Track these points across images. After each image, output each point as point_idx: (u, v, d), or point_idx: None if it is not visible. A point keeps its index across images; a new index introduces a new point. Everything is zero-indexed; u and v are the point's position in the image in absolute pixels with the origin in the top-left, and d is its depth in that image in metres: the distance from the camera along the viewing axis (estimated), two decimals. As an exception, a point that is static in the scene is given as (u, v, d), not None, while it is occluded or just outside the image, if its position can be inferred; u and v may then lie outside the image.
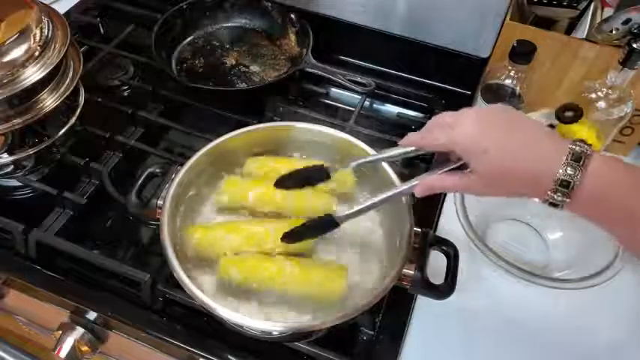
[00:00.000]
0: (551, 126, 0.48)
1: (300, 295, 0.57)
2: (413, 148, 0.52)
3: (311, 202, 0.63)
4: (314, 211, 0.60)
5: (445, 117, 0.50)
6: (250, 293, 0.57)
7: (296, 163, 0.67)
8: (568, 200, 0.44)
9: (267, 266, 0.57)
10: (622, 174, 0.44)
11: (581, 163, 0.43)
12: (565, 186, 0.43)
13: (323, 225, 0.55)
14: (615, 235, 0.47)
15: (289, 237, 0.56)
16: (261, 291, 0.57)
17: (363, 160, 0.57)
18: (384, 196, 0.54)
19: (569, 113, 0.48)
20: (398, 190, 0.53)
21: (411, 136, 0.52)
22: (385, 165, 0.62)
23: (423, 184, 0.51)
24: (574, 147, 0.44)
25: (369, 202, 0.54)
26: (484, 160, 0.46)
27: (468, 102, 0.85)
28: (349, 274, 0.59)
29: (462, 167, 0.49)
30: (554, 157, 0.44)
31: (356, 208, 0.54)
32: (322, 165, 0.57)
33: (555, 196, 0.44)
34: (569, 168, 0.43)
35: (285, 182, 0.58)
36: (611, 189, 0.44)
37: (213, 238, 0.59)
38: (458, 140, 0.47)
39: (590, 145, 0.45)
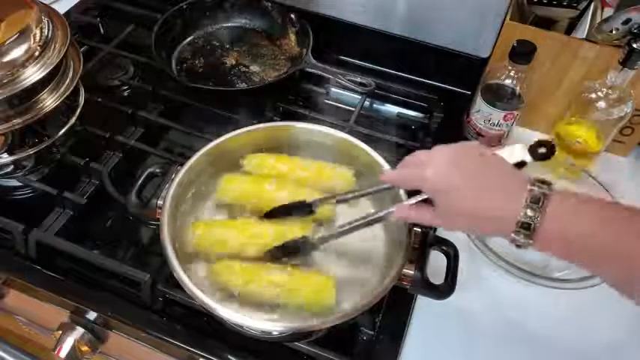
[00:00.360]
0: (522, 163, 0.50)
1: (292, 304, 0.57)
2: (387, 185, 0.56)
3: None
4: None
5: (419, 155, 0.52)
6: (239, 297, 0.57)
7: (295, 161, 0.67)
8: (531, 241, 0.45)
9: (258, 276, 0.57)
10: (581, 212, 0.44)
11: (540, 205, 0.44)
12: (526, 228, 0.44)
13: (299, 248, 0.58)
14: (586, 270, 0.47)
15: (269, 255, 0.58)
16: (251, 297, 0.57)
17: (343, 196, 0.60)
18: (360, 222, 0.56)
19: (542, 150, 0.49)
20: (375, 217, 0.55)
21: (388, 174, 0.56)
22: (387, 168, 0.62)
23: (397, 210, 0.54)
24: (533, 188, 0.45)
25: (345, 228, 0.56)
26: (446, 198, 0.48)
27: (468, 102, 0.85)
28: (349, 274, 0.59)
29: (429, 201, 0.51)
30: (515, 199, 0.45)
31: (331, 232, 0.57)
32: (305, 201, 0.60)
33: (518, 238, 0.45)
34: (528, 210, 0.44)
35: (273, 214, 0.61)
36: (571, 229, 0.44)
37: (213, 236, 0.60)
38: (426, 179, 0.49)
39: (549, 184, 0.45)
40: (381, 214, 0.55)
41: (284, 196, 0.62)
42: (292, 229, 0.59)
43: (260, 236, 0.60)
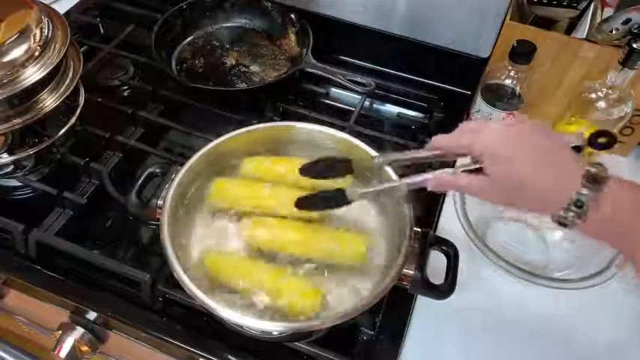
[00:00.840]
0: (577, 148, 0.49)
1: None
2: (437, 152, 0.53)
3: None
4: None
5: (473, 122, 0.51)
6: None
7: (294, 162, 0.66)
8: (579, 221, 0.44)
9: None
10: (638, 197, 0.44)
11: (597, 185, 0.43)
12: (579, 206, 0.43)
13: (335, 198, 0.56)
14: (628, 258, 0.47)
15: (301, 203, 0.57)
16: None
17: (389, 158, 0.58)
18: (396, 183, 0.55)
19: (602, 139, 0.49)
20: (411, 181, 0.54)
21: (440, 138, 0.52)
22: (389, 170, 0.62)
23: (436, 178, 0.51)
24: (590, 169, 0.44)
25: (382, 187, 0.56)
26: (503, 166, 0.46)
27: (468, 102, 0.85)
28: (349, 275, 0.59)
29: (477, 172, 0.49)
30: (571, 176, 0.44)
31: (370, 189, 0.56)
32: (347, 158, 0.58)
33: (567, 216, 0.44)
34: (584, 189, 0.43)
35: (304, 202, 0.58)
36: (626, 213, 0.44)
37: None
38: (484, 144, 0.47)
39: (606, 168, 0.44)
40: (420, 177, 0.53)
41: (279, 199, 0.62)
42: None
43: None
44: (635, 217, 0.44)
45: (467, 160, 0.51)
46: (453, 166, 0.53)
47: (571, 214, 0.44)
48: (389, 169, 0.61)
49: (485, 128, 0.48)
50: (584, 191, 0.43)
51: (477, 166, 0.49)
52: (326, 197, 0.56)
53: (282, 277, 0.57)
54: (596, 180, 0.43)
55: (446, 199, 0.74)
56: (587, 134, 0.49)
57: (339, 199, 0.56)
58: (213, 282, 0.57)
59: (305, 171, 0.58)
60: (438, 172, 0.52)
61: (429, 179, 0.52)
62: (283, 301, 0.55)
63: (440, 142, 0.52)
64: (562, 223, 0.45)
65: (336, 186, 0.58)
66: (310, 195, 0.57)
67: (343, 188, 0.56)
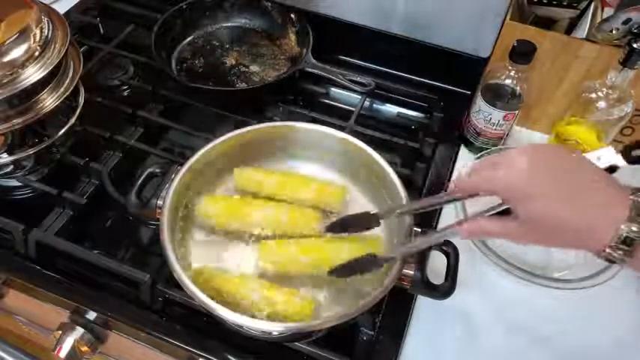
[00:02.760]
0: (613, 168, 0.45)
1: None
2: (456, 196, 0.50)
3: (295, 218, 0.63)
4: (297, 226, 0.61)
5: (491, 157, 0.47)
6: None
7: (286, 176, 0.66)
8: (629, 259, 0.40)
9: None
10: None
11: None
12: (628, 244, 0.40)
13: (367, 264, 0.55)
14: None
15: (337, 272, 0.56)
16: None
17: (407, 207, 0.57)
18: (425, 242, 0.54)
19: (638, 152, 0.44)
20: (442, 235, 0.52)
21: (461, 182, 0.49)
22: (387, 168, 0.62)
23: (466, 230, 0.48)
24: (636, 199, 0.40)
25: (411, 248, 0.55)
26: (528, 206, 0.42)
27: (468, 102, 0.85)
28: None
29: (507, 212, 0.46)
30: (614, 209, 0.40)
31: (402, 250, 0.55)
32: (369, 212, 0.58)
33: (615, 254, 0.40)
34: (634, 225, 0.39)
35: (339, 271, 0.56)
36: None
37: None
38: (502, 183, 0.44)
39: None
40: (447, 231, 0.50)
41: (265, 217, 0.62)
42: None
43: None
44: None
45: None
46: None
47: (619, 252, 0.40)
48: (393, 176, 0.61)
49: (503, 164, 0.44)
50: (634, 227, 0.39)
51: (503, 207, 0.46)
52: (359, 265, 0.55)
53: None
54: None
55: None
56: (616, 148, 0.45)
57: (371, 264, 0.54)
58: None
59: (332, 230, 0.59)
60: (469, 222, 0.48)
61: (460, 231, 0.49)
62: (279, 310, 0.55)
63: (461, 185, 0.48)
64: (610, 260, 0.41)
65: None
66: (344, 264, 0.56)
67: (374, 253, 0.54)
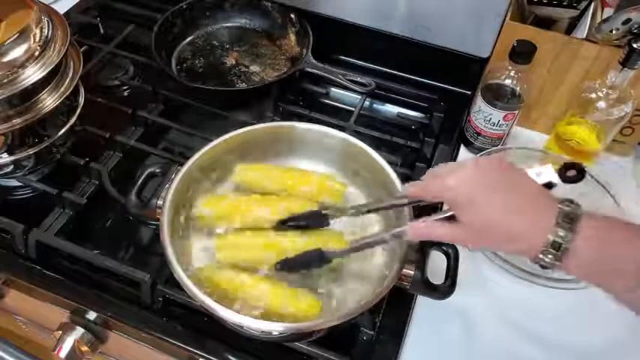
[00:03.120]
0: (550, 185, 0.48)
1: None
2: (410, 200, 0.53)
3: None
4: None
5: (441, 166, 0.50)
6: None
7: (287, 171, 0.66)
8: (558, 263, 0.43)
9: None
10: (615, 233, 0.43)
11: (572, 224, 0.42)
12: (556, 248, 0.43)
13: (313, 259, 0.56)
14: (612, 293, 0.45)
15: (282, 266, 0.57)
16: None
17: (363, 207, 0.58)
18: (374, 239, 0.55)
19: (572, 172, 0.47)
20: (390, 233, 0.54)
21: (410, 187, 0.52)
22: (387, 168, 0.62)
23: (413, 229, 0.51)
24: (563, 207, 0.43)
25: (360, 243, 0.56)
26: (469, 210, 0.46)
27: (468, 102, 0.85)
28: (349, 276, 0.59)
29: (453, 217, 0.49)
30: (545, 217, 0.43)
31: (346, 248, 0.56)
32: (320, 211, 0.59)
33: (545, 258, 0.43)
34: (560, 230, 0.42)
35: (284, 264, 0.57)
36: (602, 250, 0.43)
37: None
38: (453, 191, 0.47)
39: (577, 204, 0.44)
40: (395, 231, 0.53)
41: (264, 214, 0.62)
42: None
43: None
44: (621, 247, 0.43)
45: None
46: (441, 209, 0.52)
47: (549, 256, 0.43)
48: (389, 171, 0.61)
49: (452, 173, 0.47)
50: (560, 232, 0.42)
51: (450, 213, 0.49)
52: (305, 260, 0.56)
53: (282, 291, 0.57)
54: (571, 219, 0.43)
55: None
56: (554, 167, 0.48)
57: (318, 259, 0.56)
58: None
59: (277, 227, 0.59)
60: (415, 222, 0.51)
61: (406, 231, 0.52)
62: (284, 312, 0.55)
63: (410, 190, 0.52)
64: (542, 266, 0.44)
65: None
66: (289, 258, 0.57)
67: (320, 249, 0.56)
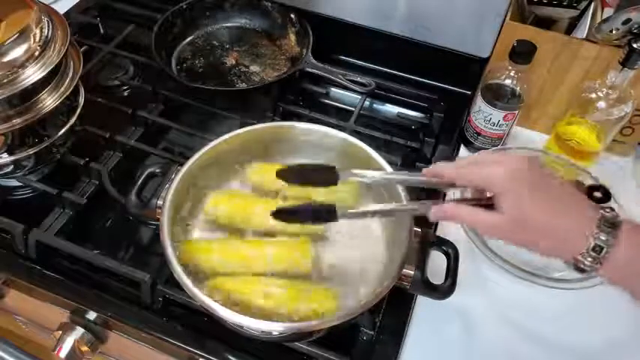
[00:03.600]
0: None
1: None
2: (434, 180, 0.50)
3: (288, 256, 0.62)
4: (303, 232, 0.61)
5: (484, 155, 0.50)
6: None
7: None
8: (597, 266, 0.43)
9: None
10: None
11: (613, 229, 0.43)
12: (597, 251, 0.43)
13: (321, 212, 0.52)
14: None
15: (280, 214, 0.52)
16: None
17: (371, 175, 0.54)
18: (391, 207, 0.54)
19: (597, 194, 0.50)
20: (409, 207, 0.52)
21: (443, 167, 0.49)
22: (387, 168, 0.62)
23: (442, 208, 0.49)
24: (605, 213, 0.44)
25: (375, 208, 0.54)
26: (515, 203, 0.45)
27: (468, 102, 0.85)
28: (349, 274, 0.59)
29: (484, 207, 0.47)
30: (587, 220, 0.44)
31: (361, 209, 0.54)
32: (333, 167, 0.53)
33: (585, 261, 0.43)
34: (602, 234, 0.43)
35: (287, 175, 0.53)
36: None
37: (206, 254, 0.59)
38: (494, 177, 0.45)
39: (615, 211, 0.44)
40: (418, 204, 0.50)
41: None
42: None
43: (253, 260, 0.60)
44: None
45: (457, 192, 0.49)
46: (444, 197, 0.51)
47: (589, 259, 0.43)
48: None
49: (499, 164, 0.46)
50: (602, 236, 0.43)
51: (482, 200, 0.47)
52: (316, 210, 0.52)
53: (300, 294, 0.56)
54: (612, 224, 0.43)
55: (446, 199, 0.74)
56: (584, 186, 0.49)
57: (325, 213, 0.51)
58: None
59: (281, 175, 0.53)
60: (450, 205, 0.48)
61: (432, 208, 0.49)
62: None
63: (444, 170, 0.49)
64: (580, 269, 0.44)
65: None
66: (291, 207, 0.53)
67: (334, 205, 0.51)
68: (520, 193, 0.45)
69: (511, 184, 0.45)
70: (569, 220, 0.44)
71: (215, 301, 0.51)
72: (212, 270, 0.58)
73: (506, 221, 0.46)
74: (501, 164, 0.46)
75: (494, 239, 0.68)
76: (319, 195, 0.62)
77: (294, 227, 0.61)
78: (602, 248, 0.43)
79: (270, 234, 0.62)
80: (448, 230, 0.70)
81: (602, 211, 0.44)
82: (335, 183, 0.52)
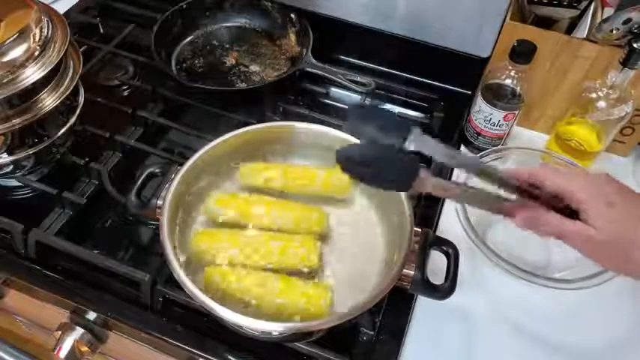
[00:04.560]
0: None
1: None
2: (511, 181, 0.46)
3: (303, 214, 0.63)
4: (308, 223, 0.61)
5: (555, 166, 0.47)
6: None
7: (291, 168, 0.66)
8: None
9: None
10: None
11: None
12: None
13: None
14: None
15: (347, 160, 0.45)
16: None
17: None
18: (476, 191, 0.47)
19: None
20: (497, 195, 0.47)
21: (518, 170, 0.46)
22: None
23: (530, 216, 0.45)
24: None
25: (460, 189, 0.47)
26: (608, 214, 0.41)
27: (468, 102, 0.85)
28: (349, 275, 0.59)
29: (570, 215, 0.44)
30: None
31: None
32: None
33: None
34: None
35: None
36: None
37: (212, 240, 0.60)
38: (578, 185, 0.42)
39: None
40: (505, 200, 0.46)
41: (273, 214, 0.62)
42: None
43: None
44: None
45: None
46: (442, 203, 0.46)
47: None
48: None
49: (579, 175, 0.44)
50: None
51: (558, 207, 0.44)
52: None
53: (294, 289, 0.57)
54: None
55: (446, 199, 0.74)
56: None
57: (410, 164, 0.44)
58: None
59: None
60: (528, 208, 0.45)
61: (519, 212, 0.45)
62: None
63: (517, 173, 0.46)
64: None
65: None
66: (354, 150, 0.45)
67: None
68: (612, 204, 0.41)
69: (597, 191, 0.42)
70: None
71: (211, 298, 0.51)
72: (213, 259, 0.59)
73: (597, 234, 0.42)
74: (580, 176, 0.43)
75: (494, 239, 0.69)
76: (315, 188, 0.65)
77: (297, 227, 0.62)
78: None
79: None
80: (448, 230, 0.70)
81: None
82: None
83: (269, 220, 0.62)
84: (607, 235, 0.41)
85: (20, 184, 0.75)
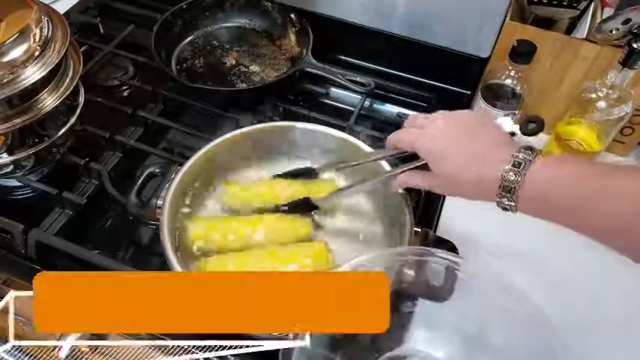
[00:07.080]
0: (512, 134, 0.54)
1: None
2: (394, 151, 0.59)
3: (290, 227, 0.63)
4: (295, 235, 0.62)
5: (417, 119, 0.57)
6: None
7: (268, 187, 0.66)
8: (514, 204, 0.47)
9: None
10: (563, 171, 0.46)
11: (521, 168, 0.46)
12: (508, 191, 0.47)
13: (302, 206, 0.63)
14: (565, 226, 0.48)
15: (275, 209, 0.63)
16: None
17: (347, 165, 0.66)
18: (359, 185, 0.62)
19: (532, 125, 0.55)
20: (375, 180, 0.60)
21: (391, 137, 0.58)
22: (387, 168, 0.62)
23: (398, 180, 0.57)
24: (518, 155, 0.47)
25: (346, 188, 0.63)
26: (440, 163, 0.52)
27: (468, 102, 0.85)
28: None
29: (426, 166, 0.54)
30: (499, 164, 0.47)
31: (332, 192, 0.63)
32: (310, 167, 0.67)
33: (503, 201, 0.48)
34: (510, 174, 0.47)
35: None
36: (551, 187, 0.46)
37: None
38: (420, 143, 0.53)
39: (535, 151, 0.47)
40: (381, 177, 0.60)
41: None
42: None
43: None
44: (572, 183, 0.45)
45: None
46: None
47: (504, 200, 0.47)
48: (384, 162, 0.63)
49: (427, 125, 0.54)
50: (510, 176, 0.46)
51: (424, 161, 0.54)
52: (294, 204, 0.63)
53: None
54: (530, 148, 0.47)
55: (446, 199, 0.74)
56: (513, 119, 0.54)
57: (305, 205, 0.63)
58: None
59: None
60: (400, 175, 0.57)
61: (395, 182, 0.58)
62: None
63: (391, 139, 0.58)
64: (504, 208, 0.49)
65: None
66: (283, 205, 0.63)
67: (309, 197, 0.63)
68: (442, 154, 0.51)
69: (434, 148, 0.52)
70: (482, 169, 0.49)
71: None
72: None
73: (436, 179, 0.53)
74: (428, 127, 0.53)
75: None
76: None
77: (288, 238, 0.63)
78: (511, 188, 0.46)
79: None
80: (448, 230, 0.70)
81: (515, 152, 0.47)
82: (317, 176, 0.67)
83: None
84: (441, 179, 0.53)
85: (20, 184, 0.75)
